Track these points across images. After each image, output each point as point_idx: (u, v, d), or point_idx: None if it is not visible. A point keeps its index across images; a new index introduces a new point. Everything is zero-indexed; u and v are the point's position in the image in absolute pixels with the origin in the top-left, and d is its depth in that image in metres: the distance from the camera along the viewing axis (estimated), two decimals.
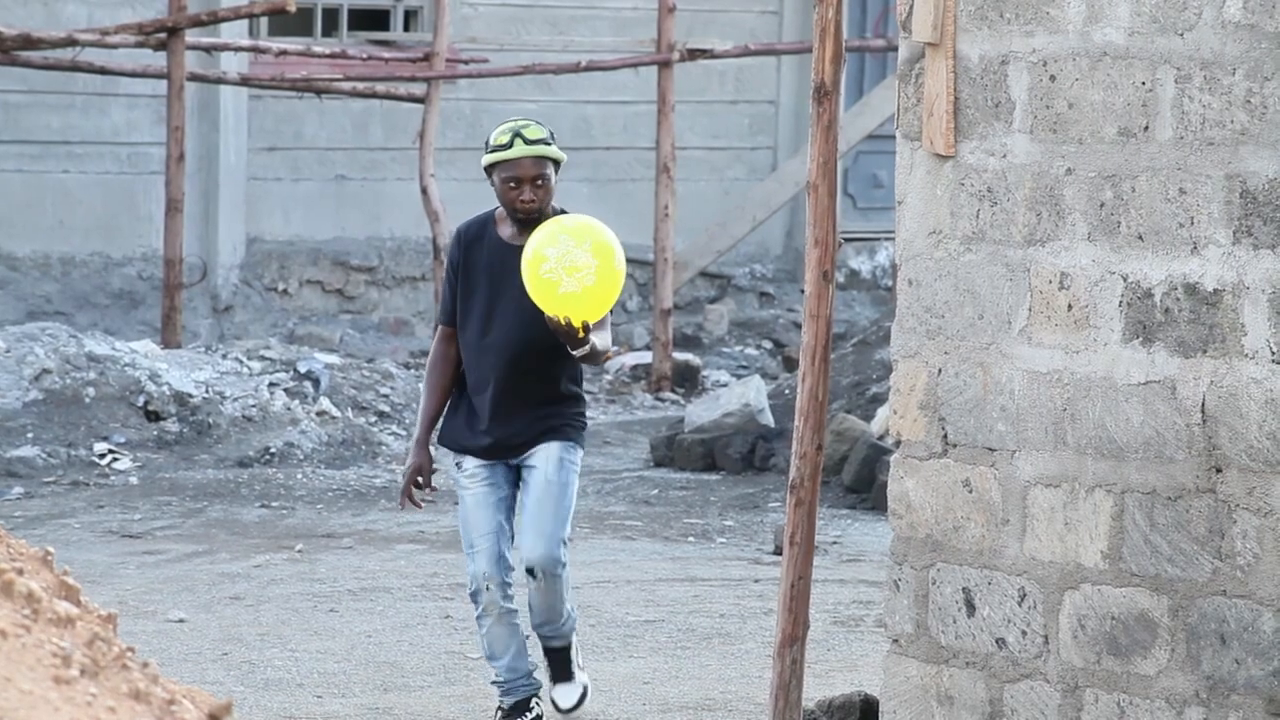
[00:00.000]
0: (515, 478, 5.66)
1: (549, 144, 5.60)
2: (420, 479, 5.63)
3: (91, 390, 10.76)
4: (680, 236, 13.19)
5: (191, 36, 12.21)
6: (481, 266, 5.61)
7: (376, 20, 14.64)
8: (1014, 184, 5.10)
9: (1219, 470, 4.83)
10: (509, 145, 5.56)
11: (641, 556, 8.63)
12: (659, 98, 12.66)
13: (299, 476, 10.20)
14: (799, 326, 5.71)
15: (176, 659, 6.70)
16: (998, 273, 4.98)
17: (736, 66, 14.78)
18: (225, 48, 12.99)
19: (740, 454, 10.47)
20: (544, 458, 5.62)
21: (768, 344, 13.93)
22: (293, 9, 11.92)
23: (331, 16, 14.46)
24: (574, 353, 5.46)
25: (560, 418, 5.68)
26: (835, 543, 8.90)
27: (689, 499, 9.89)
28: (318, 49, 13.10)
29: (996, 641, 5.13)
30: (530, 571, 5.61)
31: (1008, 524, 5.11)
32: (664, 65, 12.62)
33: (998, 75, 5.10)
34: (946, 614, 5.21)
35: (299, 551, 8.60)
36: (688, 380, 12.59)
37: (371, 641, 7.10)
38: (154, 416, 10.75)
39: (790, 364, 12.62)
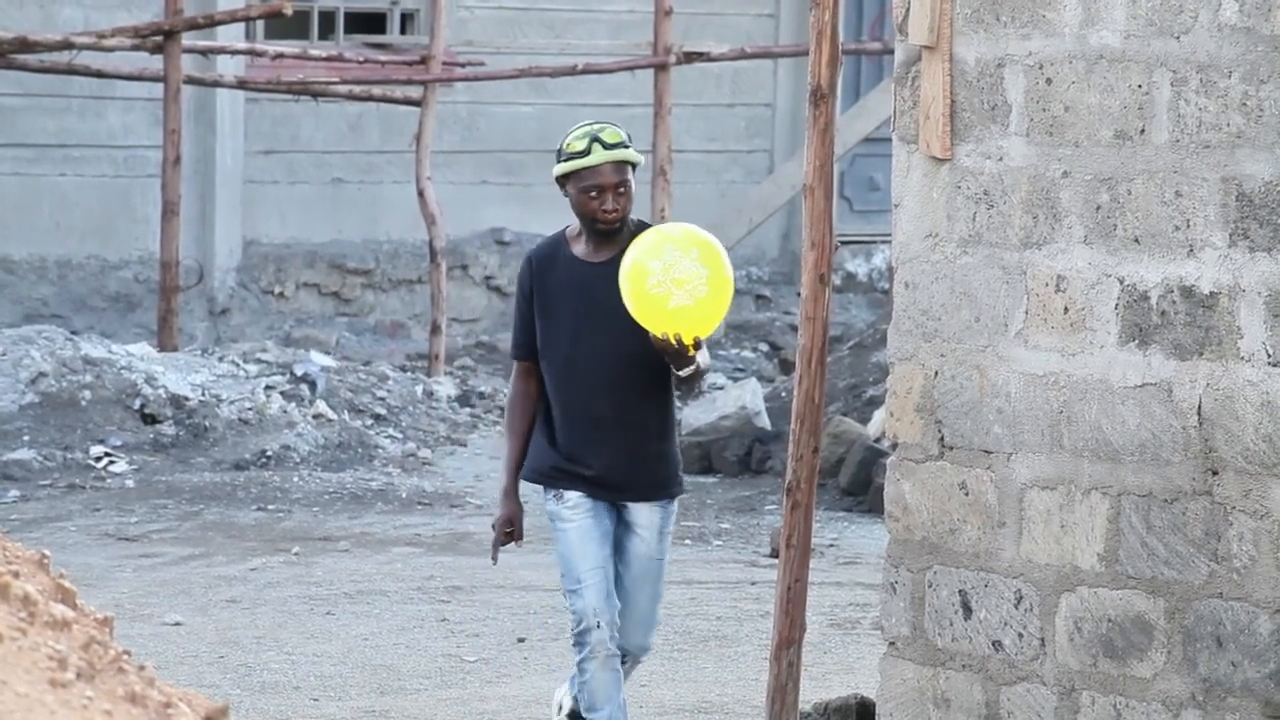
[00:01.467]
0: (616, 514, 5.21)
1: (628, 147, 5.16)
2: (510, 529, 5.18)
3: (88, 393, 10.76)
4: None
5: (188, 40, 12.21)
6: (560, 289, 5.17)
7: (373, 23, 14.64)
8: (1010, 187, 5.10)
9: (1215, 473, 4.83)
10: (586, 151, 5.12)
11: None
12: (655, 100, 12.66)
13: (295, 479, 10.19)
14: (795, 329, 5.71)
15: (173, 662, 6.69)
16: (994, 275, 4.98)
17: (733, 69, 14.79)
18: (221, 51, 12.99)
19: (737, 456, 10.47)
20: (647, 523, 5.17)
21: (764, 347, 13.93)
22: (289, 12, 11.92)
23: (328, 19, 14.46)
24: (680, 373, 5.04)
25: (665, 462, 5.20)
26: (832, 545, 8.90)
27: (685, 501, 9.85)
28: (314, 52, 13.10)
29: (993, 644, 5.13)
30: (621, 656, 5.16)
31: (1004, 526, 5.11)
32: (660, 68, 12.62)
33: (994, 78, 5.11)
34: (943, 616, 5.21)
35: (295, 554, 8.60)
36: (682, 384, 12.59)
37: (368, 644, 7.10)
38: (150, 419, 10.74)
39: (787, 367, 12.62)
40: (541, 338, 5.19)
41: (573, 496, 5.14)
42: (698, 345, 4.97)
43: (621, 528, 5.19)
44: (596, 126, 5.17)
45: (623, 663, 5.15)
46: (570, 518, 5.14)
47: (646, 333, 5.06)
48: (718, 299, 4.98)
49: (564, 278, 5.16)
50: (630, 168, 5.13)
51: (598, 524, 5.14)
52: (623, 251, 5.07)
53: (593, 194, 5.11)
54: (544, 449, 5.18)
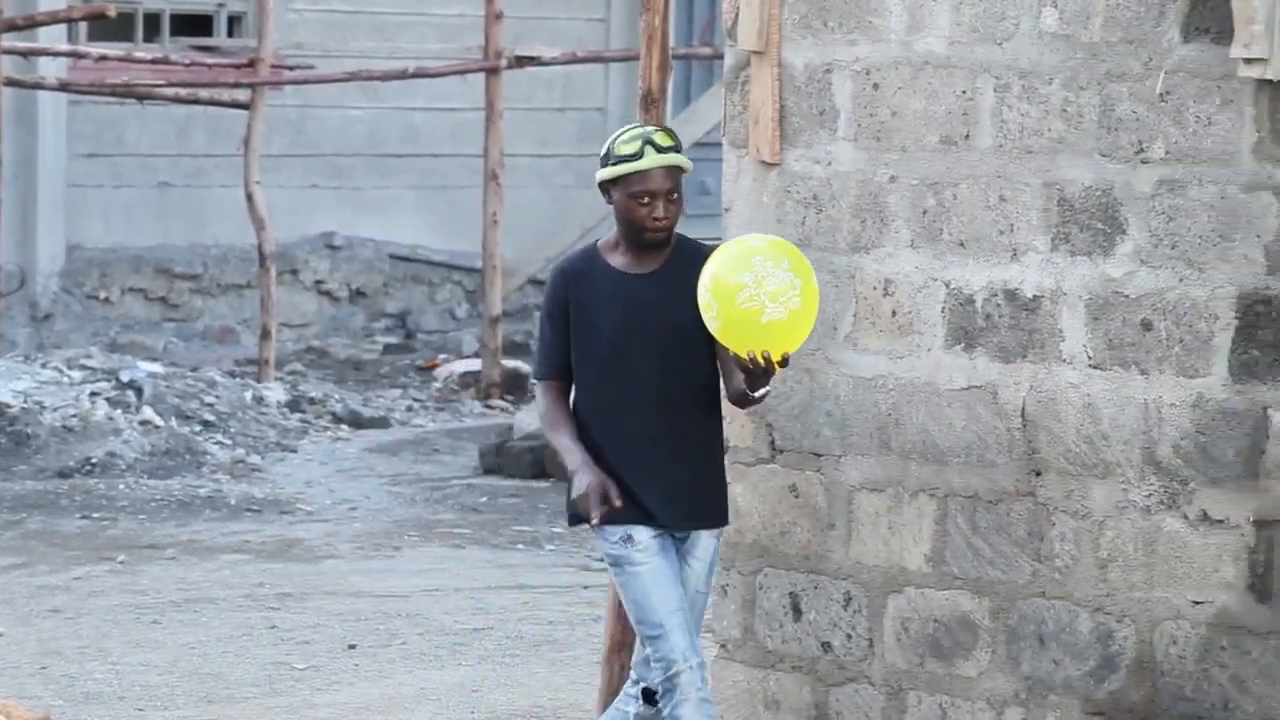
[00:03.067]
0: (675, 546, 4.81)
1: (680, 151, 4.76)
2: (610, 492, 4.67)
3: None
4: (509, 244, 13.17)
5: (7, 41, 11.99)
6: (601, 303, 4.74)
7: (199, 25, 14.47)
8: (839, 191, 5.15)
9: (1038, 474, 4.91)
10: (638, 155, 4.70)
11: (470, 564, 8.60)
12: (487, 105, 12.63)
13: (121, 486, 10.05)
14: None
15: None
16: (823, 279, 5.02)
17: (564, 74, 14.79)
18: (43, 52, 12.76)
19: None
20: (702, 553, 4.79)
21: None
22: (112, 14, 11.74)
23: (153, 21, 14.27)
24: (755, 394, 4.60)
25: (723, 484, 4.84)
26: None
27: (518, 506, 9.87)
28: (139, 54, 12.91)
29: (822, 645, 5.17)
30: (652, 695, 4.78)
31: (834, 529, 5.16)
32: (491, 72, 12.59)
33: (822, 83, 5.15)
34: (773, 618, 5.24)
35: (121, 562, 8.47)
36: (517, 387, 12.57)
37: (195, 653, 7.01)
38: None
39: None
40: (578, 356, 4.76)
41: (642, 538, 4.72)
42: (784, 363, 4.55)
43: (678, 554, 4.81)
44: (649, 128, 4.76)
45: (656, 701, 4.75)
46: (642, 560, 4.72)
47: (699, 347, 4.69)
48: (810, 310, 4.56)
49: (604, 291, 4.74)
50: (681, 174, 4.76)
51: (669, 562, 4.74)
52: (668, 263, 4.74)
53: (644, 200, 4.71)
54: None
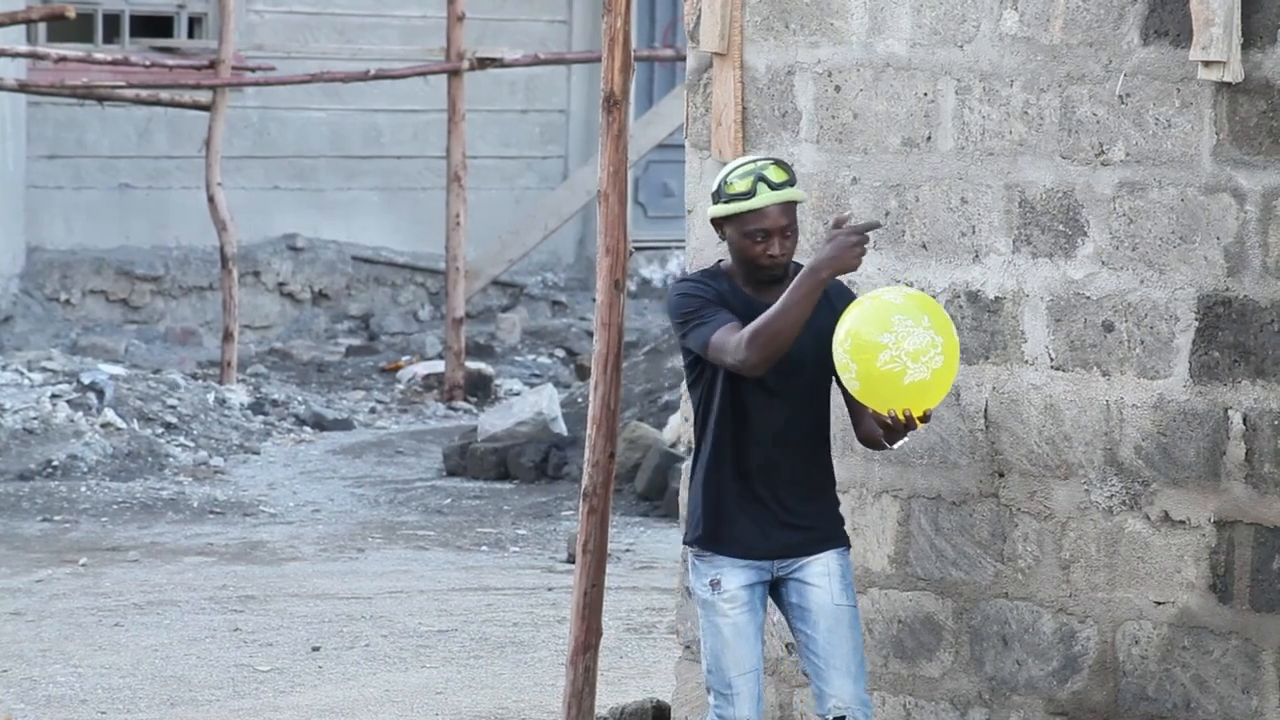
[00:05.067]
0: (771, 588, 4.72)
1: (794, 184, 4.65)
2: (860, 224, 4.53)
3: None
4: (472, 245, 13.16)
5: None
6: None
7: (159, 27, 14.42)
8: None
9: (1001, 475, 4.92)
10: (751, 193, 4.60)
11: (434, 566, 8.60)
12: (449, 106, 12.62)
13: (83, 489, 10.01)
14: (591, 335, 5.67)
15: None
16: None
17: (527, 75, 14.79)
18: (1, 54, 12.71)
19: (533, 463, 10.47)
20: (824, 573, 4.66)
21: (560, 352, 13.95)
22: (72, 15, 11.70)
23: (113, 22, 14.22)
24: (892, 446, 4.56)
25: (837, 506, 4.74)
26: (628, 550, 8.94)
27: (482, 508, 9.86)
28: (99, 55, 12.86)
29: (786, 647, 5.18)
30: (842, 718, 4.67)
31: None
32: (454, 74, 12.58)
33: (784, 85, 5.16)
34: None
35: (83, 565, 8.44)
36: (480, 389, 12.56)
37: (158, 655, 6.99)
38: None
39: (583, 372, 12.65)
40: (711, 374, 4.64)
41: (730, 585, 4.64)
42: (926, 419, 4.47)
43: (790, 591, 4.70)
44: (760, 163, 4.65)
45: None
46: (726, 612, 4.64)
47: (825, 380, 4.62)
48: (952, 366, 4.45)
49: (738, 313, 4.61)
50: (795, 205, 4.66)
51: (754, 618, 4.66)
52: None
53: (758, 239, 4.60)
54: (705, 510, 4.67)
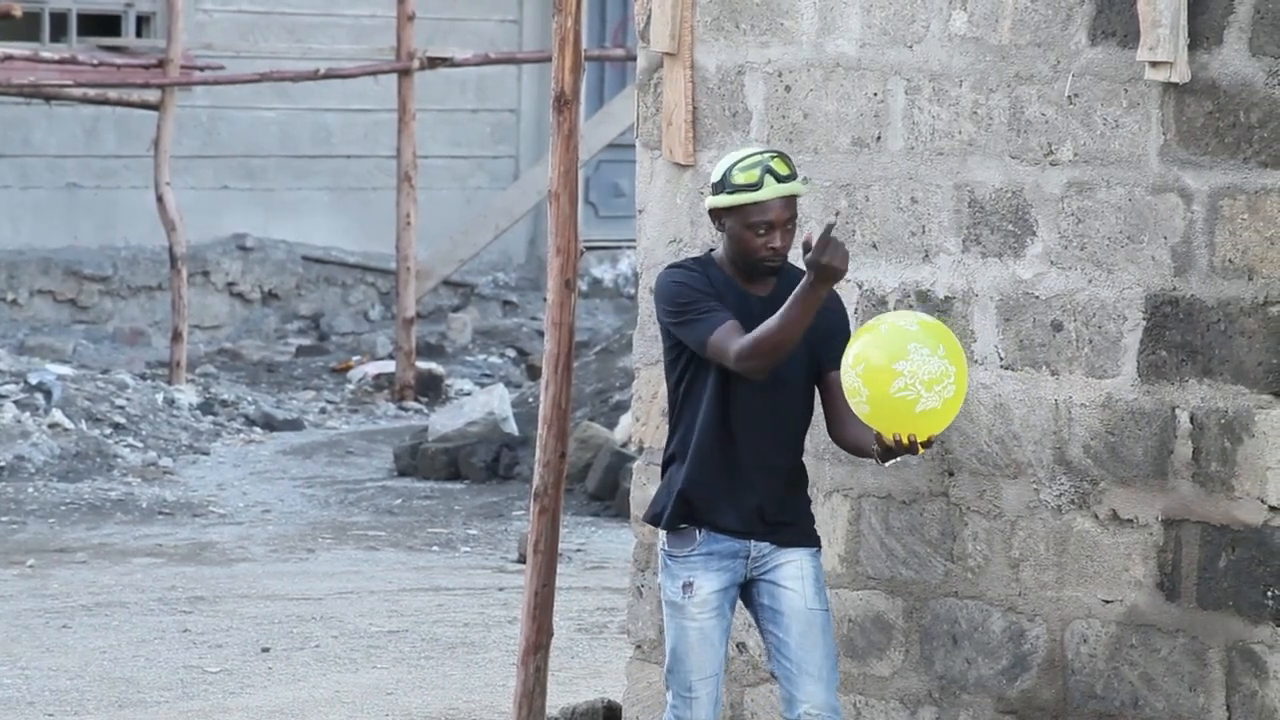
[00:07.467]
0: (743, 589, 4.67)
1: (796, 176, 4.57)
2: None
3: None
4: (423, 245, 13.13)
5: None
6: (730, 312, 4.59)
7: (107, 25, 14.34)
8: None
9: (951, 474, 4.94)
10: (758, 185, 4.51)
11: (385, 566, 8.58)
12: (400, 106, 12.59)
13: (30, 490, 9.95)
14: (542, 335, 5.66)
15: None
16: None
17: (477, 75, 14.76)
18: None
19: (484, 463, 10.46)
20: (797, 576, 4.61)
21: (511, 352, 13.94)
22: (18, 13, 11.63)
23: (60, 21, 14.13)
24: (885, 464, 4.50)
25: (809, 505, 4.72)
26: (579, 550, 8.94)
27: (433, 508, 9.85)
28: (46, 54, 12.79)
29: (737, 646, 5.19)
30: None
31: None
32: (404, 73, 12.56)
33: (735, 85, 5.16)
34: None
35: (30, 566, 8.39)
36: (431, 389, 12.54)
37: (106, 657, 6.96)
38: None
39: (534, 372, 12.64)
40: (698, 364, 4.58)
41: (703, 592, 4.60)
42: (929, 444, 4.42)
43: (761, 592, 4.65)
44: (766, 154, 4.55)
45: None
46: (695, 616, 4.61)
47: (809, 378, 4.59)
48: (961, 395, 4.41)
49: (729, 304, 4.57)
50: (797, 198, 4.59)
51: (721, 622, 4.62)
52: (782, 285, 4.56)
53: (761, 231, 4.53)
54: (684, 486, 4.61)
